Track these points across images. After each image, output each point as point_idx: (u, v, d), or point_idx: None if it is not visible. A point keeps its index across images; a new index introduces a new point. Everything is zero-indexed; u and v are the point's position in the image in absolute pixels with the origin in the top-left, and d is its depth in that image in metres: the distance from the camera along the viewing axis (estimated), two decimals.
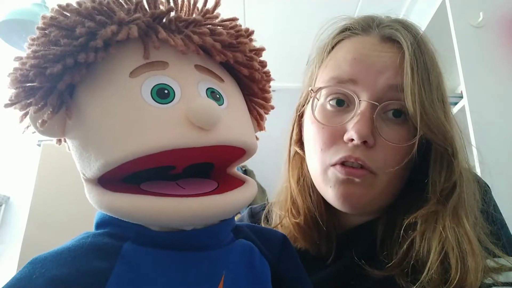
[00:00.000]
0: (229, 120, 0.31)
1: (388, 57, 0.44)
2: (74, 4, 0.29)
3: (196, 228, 0.31)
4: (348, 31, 0.48)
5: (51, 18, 0.28)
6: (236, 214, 0.41)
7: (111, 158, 0.27)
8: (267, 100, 0.39)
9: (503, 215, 0.49)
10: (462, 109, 1.14)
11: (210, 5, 0.34)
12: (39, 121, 0.29)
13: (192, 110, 0.28)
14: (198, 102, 0.28)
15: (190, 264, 0.29)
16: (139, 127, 0.27)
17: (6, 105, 0.29)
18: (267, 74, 0.37)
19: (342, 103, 0.45)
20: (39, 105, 0.28)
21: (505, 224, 0.47)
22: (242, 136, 0.32)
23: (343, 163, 0.43)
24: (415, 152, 0.42)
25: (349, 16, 0.50)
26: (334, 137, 0.44)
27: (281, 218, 0.52)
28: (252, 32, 0.35)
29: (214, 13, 0.33)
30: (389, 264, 0.41)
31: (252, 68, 0.35)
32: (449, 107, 0.46)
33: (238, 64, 0.34)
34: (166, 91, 0.28)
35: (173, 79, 0.29)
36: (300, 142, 0.53)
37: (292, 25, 2.08)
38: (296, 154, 0.53)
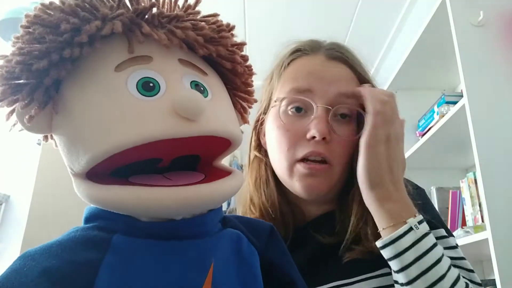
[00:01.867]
0: (214, 111, 0.31)
1: (335, 71, 0.56)
2: (57, 2, 0.29)
3: (185, 218, 0.31)
4: (299, 52, 0.59)
5: (35, 16, 0.29)
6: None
7: (99, 151, 0.27)
8: (250, 93, 0.40)
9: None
10: (462, 109, 1.14)
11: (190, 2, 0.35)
12: (26, 117, 0.29)
13: (177, 101, 0.28)
14: (184, 93, 0.29)
15: (179, 253, 0.30)
16: (126, 119, 0.28)
17: None
18: (249, 68, 0.38)
19: (300, 110, 0.55)
20: (26, 101, 0.29)
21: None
22: (227, 126, 0.32)
23: (307, 159, 0.53)
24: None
25: (298, 40, 0.62)
26: (297, 137, 0.54)
27: (243, 214, 0.59)
28: (233, 27, 0.36)
29: (196, 9, 0.34)
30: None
31: (234, 62, 0.36)
32: None
33: (220, 57, 0.35)
34: (151, 84, 0.29)
35: (158, 72, 0.30)
36: (259, 147, 0.63)
37: (293, 25, 2.08)
38: (256, 157, 0.63)
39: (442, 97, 1.41)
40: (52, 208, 1.96)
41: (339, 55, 0.57)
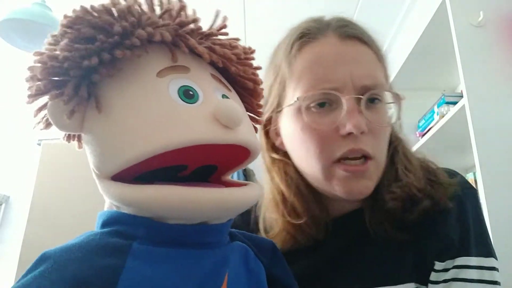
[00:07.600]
0: (245, 124, 0.33)
1: (354, 53, 0.49)
2: (99, 7, 0.30)
3: (205, 223, 0.31)
4: (305, 37, 0.52)
5: (77, 17, 0.29)
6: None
7: (145, 150, 0.28)
8: (261, 115, 0.42)
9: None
10: (462, 109, 1.14)
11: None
12: (67, 112, 0.30)
13: (220, 109, 0.30)
14: (226, 103, 0.31)
15: (197, 262, 0.30)
16: (170, 121, 0.29)
17: (30, 96, 0.30)
18: (262, 91, 0.41)
19: (323, 104, 0.49)
20: (69, 96, 0.29)
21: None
22: (255, 138, 0.34)
23: (345, 159, 0.47)
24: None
25: (297, 25, 0.55)
26: (328, 136, 0.48)
27: (278, 222, 0.53)
28: (254, 51, 0.38)
29: (223, 30, 0.36)
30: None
31: (256, 83, 0.39)
32: None
33: (245, 77, 0.37)
34: (191, 93, 0.31)
35: (195, 82, 0.32)
36: (273, 148, 0.57)
37: (293, 25, 2.08)
38: (276, 160, 0.56)
39: (442, 97, 1.41)
40: (52, 208, 1.96)
41: (353, 32, 0.51)
